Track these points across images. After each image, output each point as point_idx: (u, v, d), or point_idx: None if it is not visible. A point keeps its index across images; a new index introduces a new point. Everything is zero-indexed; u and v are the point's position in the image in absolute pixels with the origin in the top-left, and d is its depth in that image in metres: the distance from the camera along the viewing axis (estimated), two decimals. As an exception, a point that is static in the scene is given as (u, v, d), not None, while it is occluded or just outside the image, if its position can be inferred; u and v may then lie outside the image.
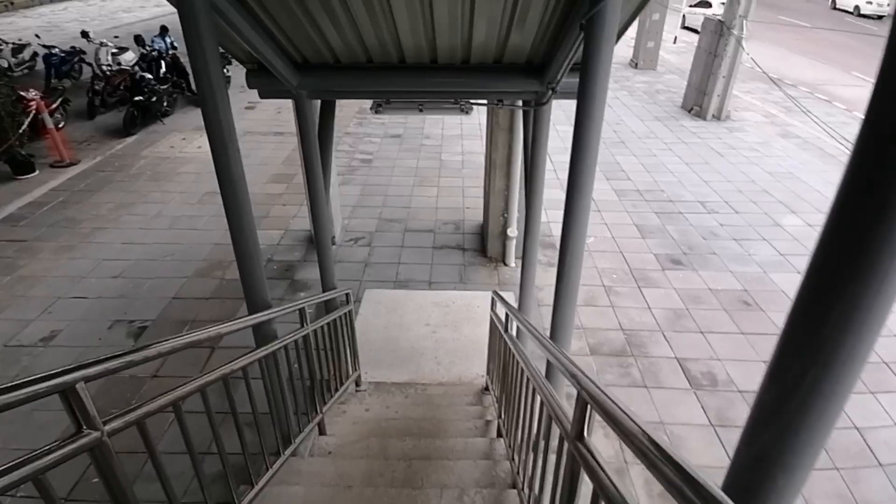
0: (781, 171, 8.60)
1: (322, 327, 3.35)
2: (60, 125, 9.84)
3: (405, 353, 4.75)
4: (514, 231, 5.87)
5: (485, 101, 3.90)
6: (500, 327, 3.49)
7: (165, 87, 10.43)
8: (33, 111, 8.07)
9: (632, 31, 20.17)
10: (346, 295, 3.93)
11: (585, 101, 2.14)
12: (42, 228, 6.64)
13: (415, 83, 3.23)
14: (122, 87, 10.33)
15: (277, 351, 2.65)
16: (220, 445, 2.13)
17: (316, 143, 3.44)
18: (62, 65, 12.01)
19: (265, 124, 10.49)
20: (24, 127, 7.86)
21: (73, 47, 12.08)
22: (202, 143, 9.47)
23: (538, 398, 2.09)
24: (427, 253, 6.30)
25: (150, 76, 10.03)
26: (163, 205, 7.29)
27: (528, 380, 2.36)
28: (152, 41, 11.55)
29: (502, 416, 3.12)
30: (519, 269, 6.01)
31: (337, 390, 3.74)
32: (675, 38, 18.04)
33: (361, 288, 5.66)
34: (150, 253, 6.18)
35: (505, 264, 6.10)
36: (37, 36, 12.75)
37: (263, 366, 2.58)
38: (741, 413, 4.10)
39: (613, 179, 8.22)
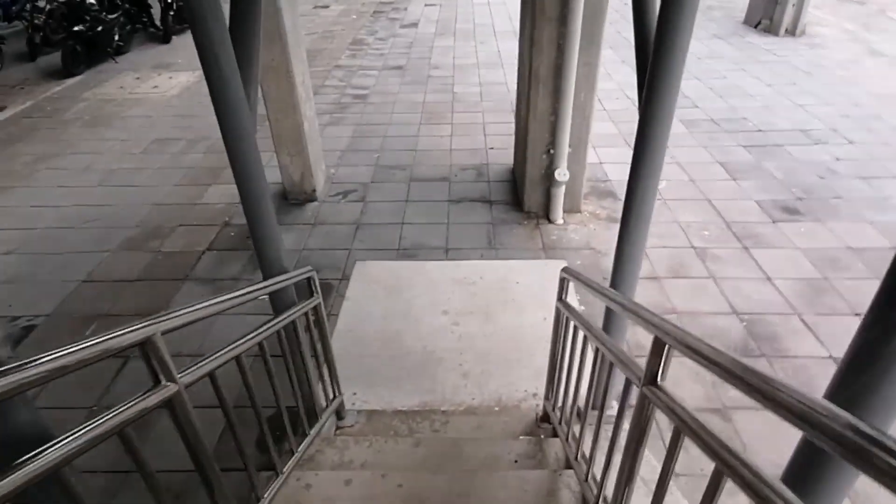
0: (886, 92, 6.66)
1: (262, 342, 1.76)
2: (-6, 68, 8.16)
3: (414, 360, 3.14)
4: (563, 173, 4.13)
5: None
6: (580, 325, 1.89)
7: (115, 16, 8.56)
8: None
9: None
10: (308, 281, 2.28)
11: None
12: (-68, 190, 5.04)
13: None
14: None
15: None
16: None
17: (224, 34, 1.67)
18: (11, 4, 10.17)
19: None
20: None
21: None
22: (159, 82, 7.70)
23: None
24: (441, 208, 4.60)
25: (92, 2, 8.16)
26: (95, 156, 5.61)
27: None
28: (102, -35, 9.62)
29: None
30: (570, 228, 4.30)
31: (304, 433, 2.17)
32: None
33: (350, 259, 4.01)
34: (64, 218, 4.55)
35: (550, 220, 4.39)
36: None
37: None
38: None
39: (677, 108, 6.34)
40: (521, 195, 4.51)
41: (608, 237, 4.16)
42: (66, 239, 4.29)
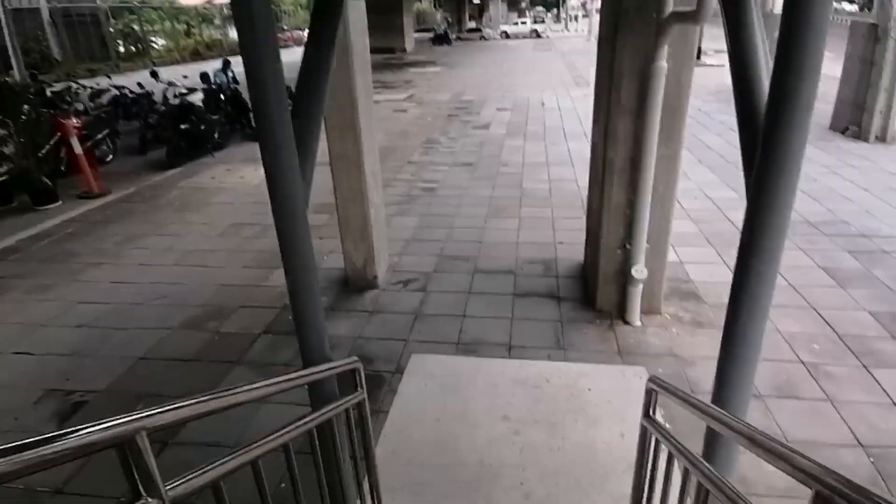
0: None
1: (289, 443, 1.50)
2: (108, 158, 9.19)
3: (468, 473, 2.73)
4: (641, 270, 3.78)
5: None
6: (677, 453, 1.48)
7: (217, 117, 9.54)
8: (59, 135, 7.23)
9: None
10: (354, 372, 2.04)
11: None
12: (30, 263, 5.42)
13: None
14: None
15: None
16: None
17: (277, 80, 1.61)
18: (132, 106, 11.72)
19: (323, 155, 9.23)
20: (43, 150, 6.99)
21: (140, 85, 11.79)
22: (246, 173, 8.29)
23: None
24: (505, 302, 4.33)
25: (199, 104, 9.17)
26: (176, 237, 5.92)
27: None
28: (215, 75, 10.96)
29: None
30: (650, 331, 3.86)
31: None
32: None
33: (406, 351, 3.76)
34: (138, 295, 4.69)
35: (625, 322, 3.98)
36: (108, 76, 12.72)
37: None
38: None
39: (764, 208, 5.91)
40: (593, 292, 4.17)
41: (693, 344, 3.68)
42: (134, 315, 4.37)
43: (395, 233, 5.73)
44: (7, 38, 12.15)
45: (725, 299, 4.17)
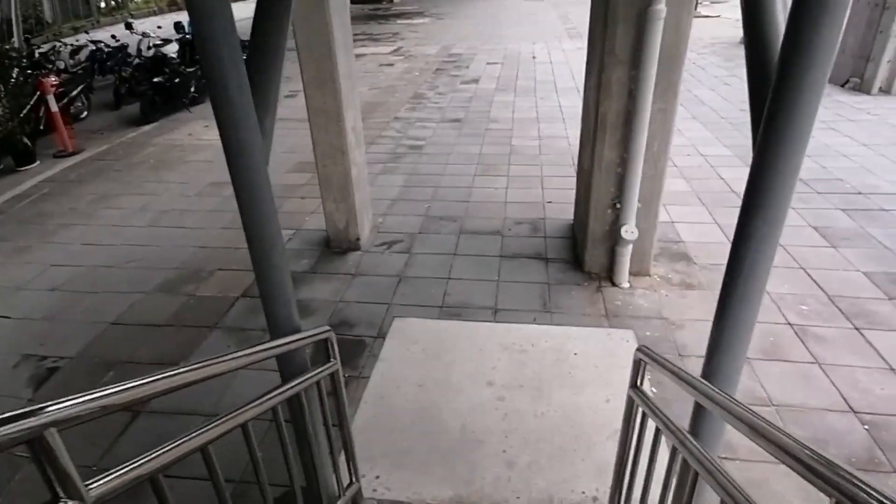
0: None
1: (248, 423, 1.38)
2: (83, 115, 8.78)
3: (451, 439, 2.67)
4: (631, 231, 3.66)
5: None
6: (664, 426, 1.40)
7: (192, 69, 9.08)
8: (38, 94, 6.86)
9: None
10: (326, 342, 1.92)
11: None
12: (10, 225, 5.20)
13: None
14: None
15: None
16: None
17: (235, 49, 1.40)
18: (108, 60, 11.14)
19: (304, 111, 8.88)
20: (24, 110, 6.63)
21: (115, 38, 11.18)
22: (225, 130, 7.94)
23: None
24: (492, 264, 4.21)
25: (173, 56, 8.70)
26: (152, 197, 5.68)
27: None
28: (189, 25, 10.38)
29: None
30: (638, 293, 3.77)
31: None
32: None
33: (389, 315, 3.65)
34: (111, 257, 4.51)
35: (614, 283, 3.89)
36: (86, 32, 12.05)
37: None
38: None
39: (759, 166, 5.77)
40: (582, 254, 4.06)
41: (683, 306, 3.60)
42: (106, 278, 4.20)
43: (380, 192, 5.54)
44: (12, 9, 11.81)
45: (716, 260, 4.10)
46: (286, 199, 5.53)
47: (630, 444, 1.93)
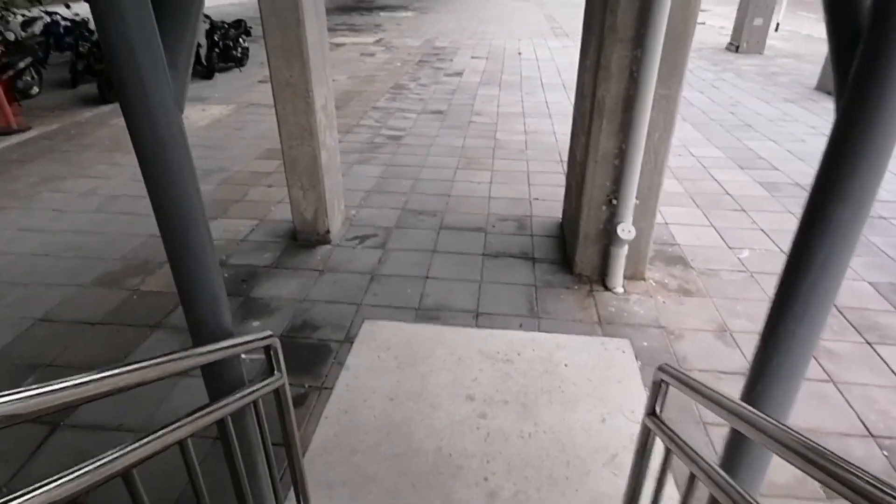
0: None
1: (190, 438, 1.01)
2: (33, 91, 8.13)
3: (424, 463, 2.29)
4: (628, 230, 3.34)
5: None
6: (697, 468, 1.06)
7: (159, 49, 8.50)
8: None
9: (729, 7, 16.95)
10: (269, 351, 1.53)
11: None
12: (-70, 206, 4.63)
13: None
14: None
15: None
16: None
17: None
18: (65, 35, 10.43)
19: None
20: None
21: (71, 10, 10.47)
22: (190, 113, 7.42)
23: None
24: (474, 263, 3.85)
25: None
26: (102, 180, 5.17)
27: None
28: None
29: None
30: (633, 298, 3.45)
31: None
32: (777, 25, 15.06)
33: (358, 317, 3.26)
34: (47, 245, 4.01)
35: (606, 287, 3.56)
36: (39, 2, 11.29)
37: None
38: None
39: (752, 169, 5.55)
40: (572, 254, 3.73)
41: (681, 314, 3.30)
42: (40, 268, 3.71)
43: (355, 183, 5.13)
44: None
45: (714, 265, 3.79)
46: (252, 186, 5.08)
47: (641, 478, 1.59)
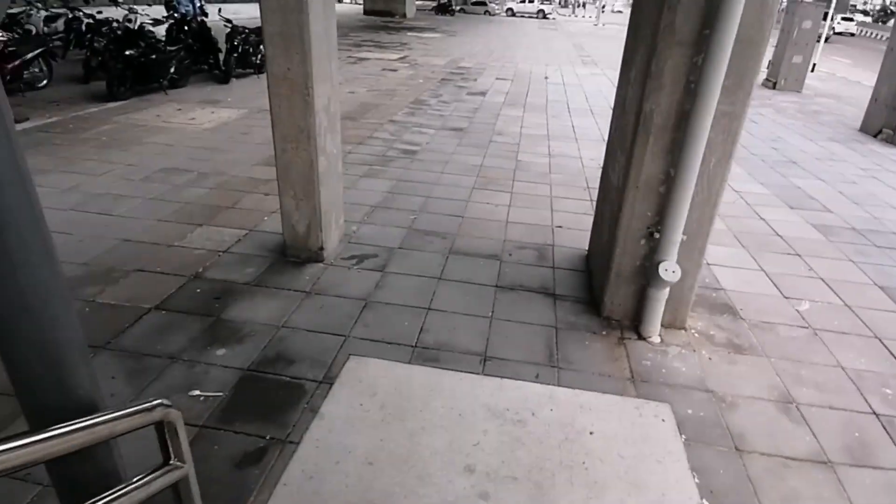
0: None
1: None
2: (42, 84, 7.89)
3: (401, 562, 1.73)
4: (673, 270, 2.79)
5: None
6: None
7: (174, 48, 8.25)
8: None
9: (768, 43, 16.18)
10: (162, 428, 1.01)
11: None
12: None
13: None
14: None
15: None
16: None
17: None
18: (87, 32, 10.33)
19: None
20: None
21: (98, 11, 10.38)
22: (199, 115, 7.09)
23: None
24: (485, 295, 3.32)
25: (153, 30, 7.89)
26: (86, 177, 4.76)
27: None
28: (178, 3, 9.62)
29: None
30: (672, 351, 2.88)
31: None
32: (814, 65, 14.56)
33: (343, 351, 2.73)
34: (6, 242, 3.56)
35: (640, 335, 3.00)
36: (67, 7, 11.26)
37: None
38: None
39: (802, 209, 4.98)
40: (600, 293, 3.18)
41: (733, 376, 2.72)
42: (-11, 267, 3.26)
43: (360, 196, 4.67)
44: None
45: (769, 317, 3.17)
46: (247, 193, 4.63)
47: None
